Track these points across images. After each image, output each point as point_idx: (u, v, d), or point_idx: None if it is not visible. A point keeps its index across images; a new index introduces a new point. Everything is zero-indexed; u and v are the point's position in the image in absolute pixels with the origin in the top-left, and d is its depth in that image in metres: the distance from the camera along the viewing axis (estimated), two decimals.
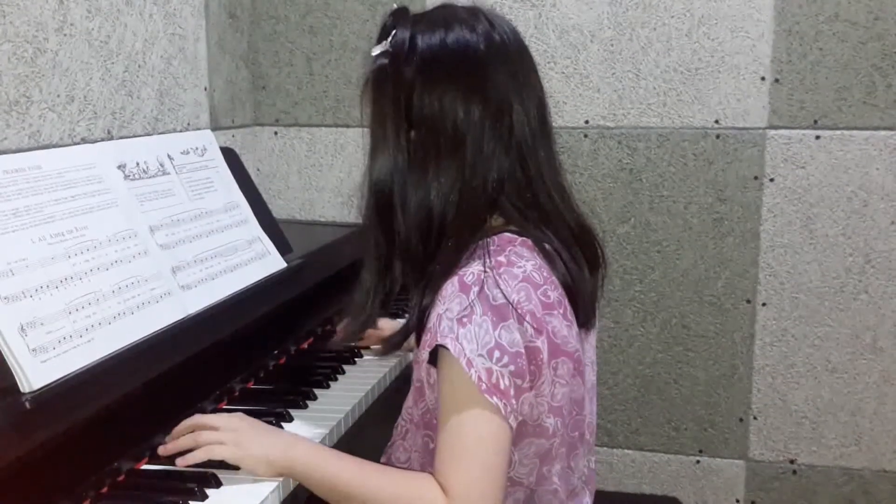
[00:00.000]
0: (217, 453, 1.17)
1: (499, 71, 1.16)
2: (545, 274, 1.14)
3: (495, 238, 1.15)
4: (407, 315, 1.80)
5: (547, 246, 1.17)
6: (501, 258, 1.12)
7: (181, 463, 1.18)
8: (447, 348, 1.06)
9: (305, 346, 1.74)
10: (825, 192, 2.16)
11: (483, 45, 1.16)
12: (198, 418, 1.24)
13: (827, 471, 2.27)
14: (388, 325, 1.65)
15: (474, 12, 1.20)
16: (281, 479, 1.17)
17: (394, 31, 1.17)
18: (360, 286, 1.22)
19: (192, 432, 1.21)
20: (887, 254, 2.15)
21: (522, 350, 1.08)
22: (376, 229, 1.19)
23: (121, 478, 1.18)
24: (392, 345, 1.36)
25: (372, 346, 1.70)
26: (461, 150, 1.14)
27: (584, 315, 1.20)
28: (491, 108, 1.14)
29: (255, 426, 1.21)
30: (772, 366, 2.26)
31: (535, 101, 1.20)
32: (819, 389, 2.24)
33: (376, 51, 1.18)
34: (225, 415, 1.25)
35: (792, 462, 2.29)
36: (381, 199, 1.17)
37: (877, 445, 2.23)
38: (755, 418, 2.29)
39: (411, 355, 1.50)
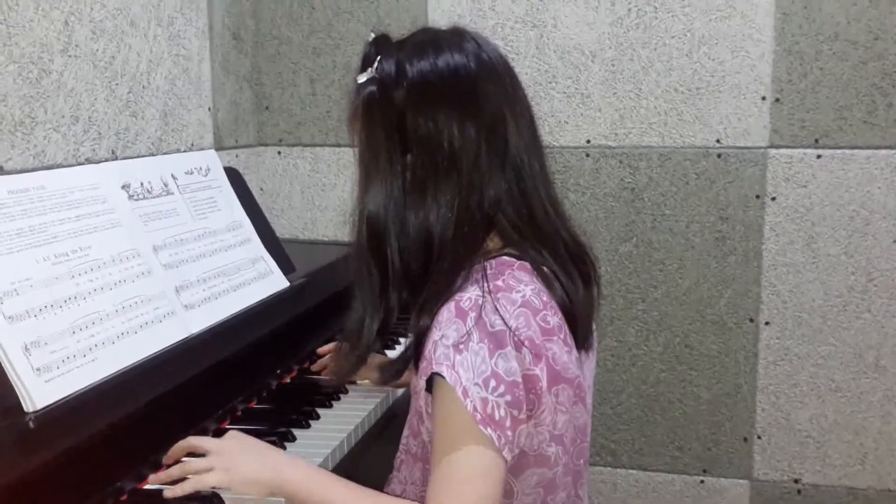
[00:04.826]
0: (206, 482, 1.14)
1: (490, 88, 1.16)
2: (544, 298, 1.12)
3: (493, 262, 1.13)
4: (398, 346, 1.79)
5: (545, 269, 1.15)
6: (499, 282, 1.10)
7: (169, 495, 1.15)
8: (443, 376, 1.04)
9: (308, 364, 1.74)
10: (827, 211, 2.16)
11: (474, 63, 1.16)
12: (191, 440, 1.22)
13: (832, 490, 2.26)
14: (376, 360, 1.59)
15: (459, 33, 1.20)
16: (282, 500, 1.16)
17: (378, 58, 1.17)
18: (353, 319, 1.20)
19: (184, 454, 1.20)
20: (889, 272, 2.15)
21: (520, 379, 1.06)
22: (369, 259, 1.17)
23: (123, 497, 1.18)
24: (392, 374, 1.34)
25: (360, 381, 1.64)
26: (458, 169, 1.13)
27: (581, 336, 1.18)
28: (486, 125, 1.14)
29: (245, 447, 1.19)
30: (775, 385, 2.25)
31: (526, 115, 1.20)
32: (823, 409, 2.24)
33: (362, 78, 1.17)
34: (217, 439, 1.22)
35: (796, 482, 2.28)
36: (374, 227, 1.16)
37: (881, 465, 2.22)
38: (759, 438, 2.28)
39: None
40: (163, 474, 1.20)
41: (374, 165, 1.16)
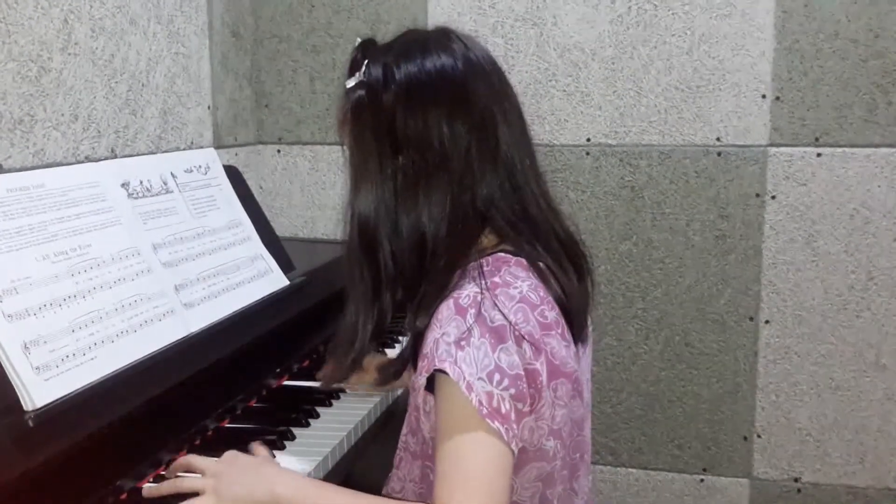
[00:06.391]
0: None
1: (479, 86, 1.17)
2: (541, 294, 1.13)
3: (489, 258, 1.14)
4: (398, 345, 1.79)
5: (541, 264, 1.16)
6: (497, 279, 1.11)
7: None
8: (446, 373, 1.04)
9: (308, 363, 1.74)
10: (827, 210, 2.16)
11: (461, 63, 1.16)
12: (189, 459, 1.20)
13: (831, 489, 2.26)
14: (373, 361, 1.60)
15: (446, 34, 1.21)
16: None
17: (365, 62, 1.17)
18: (346, 322, 1.20)
19: (182, 471, 1.19)
20: (890, 271, 2.15)
21: (522, 372, 1.06)
22: (361, 261, 1.18)
23: (123, 496, 1.18)
24: (390, 374, 1.33)
25: (354, 386, 1.61)
26: (449, 168, 1.14)
27: (577, 330, 1.19)
28: (475, 124, 1.15)
29: (238, 467, 1.15)
30: (775, 384, 2.25)
31: (515, 112, 1.21)
32: (823, 407, 2.24)
33: (350, 83, 1.17)
34: (212, 459, 1.19)
35: (796, 480, 2.28)
36: (365, 230, 1.16)
37: (881, 463, 2.22)
38: (759, 436, 2.28)
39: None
40: (154, 488, 1.18)
41: (365, 168, 1.17)
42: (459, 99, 1.15)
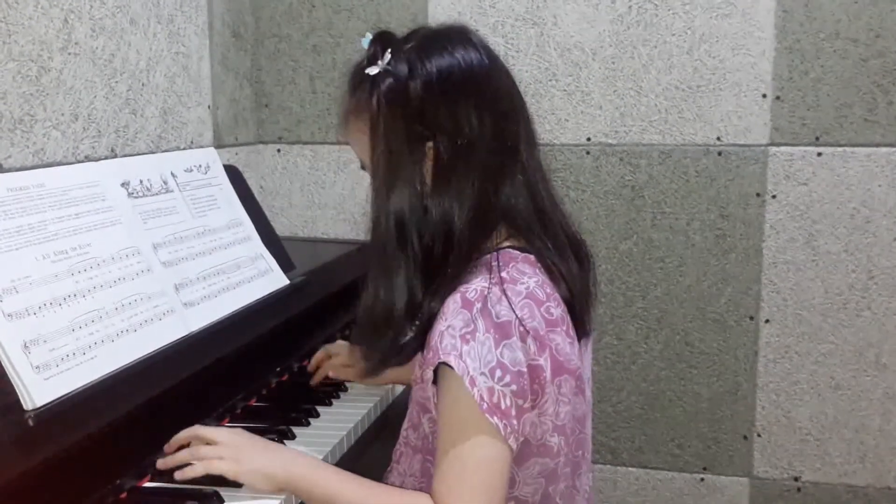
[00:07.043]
0: (216, 468, 1.16)
1: (501, 81, 1.20)
2: (548, 290, 1.14)
3: (496, 254, 1.16)
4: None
5: (549, 261, 1.17)
6: (504, 274, 1.12)
7: (179, 476, 1.17)
8: (451, 366, 1.06)
9: (308, 363, 1.74)
10: (827, 209, 2.16)
11: (485, 57, 1.19)
12: (197, 429, 1.23)
13: (831, 488, 2.26)
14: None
15: (464, 29, 1.23)
16: (283, 495, 1.17)
17: (389, 51, 1.17)
18: (372, 309, 1.18)
19: (190, 444, 1.21)
20: (890, 270, 2.15)
21: (525, 369, 1.08)
22: (395, 247, 1.16)
23: (123, 495, 1.18)
24: (407, 354, 1.33)
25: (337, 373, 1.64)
26: (478, 158, 1.15)
27: (580, 326, 1.20)
28: (500, 117, 1.17)
29: (254, 441, 1.21)
30: (775, 383, 2.25)
31: (525, 109, 1.24)
32: (823, 406, 2.24)
33: (373, 70, 1.17)
34: (225, 429, 1.24)
35: (796, 480, 2.28)
36: (401, 217, 1.16)
37: (882, 463, 2.22)
38: (759, 436, 2.28)
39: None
40: (170, 458, 1.21)
41: (396, 156, 1.16)
42: (487, 91, 1.17)
